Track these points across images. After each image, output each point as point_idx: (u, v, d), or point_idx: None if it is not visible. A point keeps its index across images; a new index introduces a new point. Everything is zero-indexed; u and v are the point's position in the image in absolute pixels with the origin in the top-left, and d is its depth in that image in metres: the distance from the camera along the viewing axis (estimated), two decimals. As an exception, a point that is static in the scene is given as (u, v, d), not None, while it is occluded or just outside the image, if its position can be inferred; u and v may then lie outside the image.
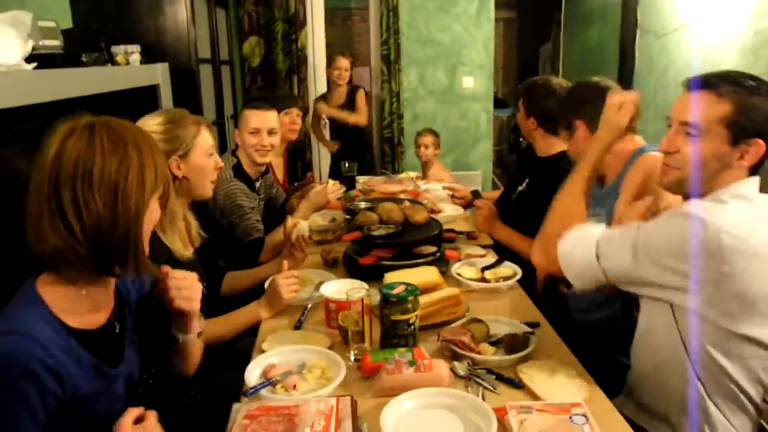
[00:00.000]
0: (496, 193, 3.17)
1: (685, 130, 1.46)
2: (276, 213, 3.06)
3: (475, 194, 2.90)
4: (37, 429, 1.10)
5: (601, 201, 2.05)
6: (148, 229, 1.28)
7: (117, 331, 1.35)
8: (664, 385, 1.52)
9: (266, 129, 2.76)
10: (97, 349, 1.25)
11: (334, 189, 2.76)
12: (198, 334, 1.52)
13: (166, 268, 1.43)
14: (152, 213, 1.28)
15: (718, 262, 1.32)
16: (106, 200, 1.17)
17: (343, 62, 4.81)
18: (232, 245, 2.60)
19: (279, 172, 3.49)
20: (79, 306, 1.24)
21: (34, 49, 1.92)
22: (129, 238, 1.21)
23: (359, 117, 4.81)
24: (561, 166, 2.42)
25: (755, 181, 1.46)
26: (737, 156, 1.42)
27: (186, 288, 1.43)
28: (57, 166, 1.15)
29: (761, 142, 1.41)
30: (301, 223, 2.20)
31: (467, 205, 3.14)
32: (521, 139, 7.93)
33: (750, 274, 1.33)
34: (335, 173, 3.72)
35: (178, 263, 1.83)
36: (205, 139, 1.96)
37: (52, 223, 1.16)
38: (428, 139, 4.18)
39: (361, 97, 4.83)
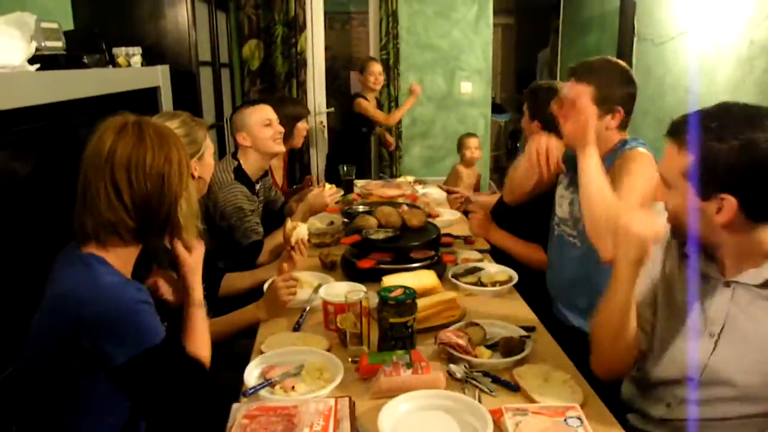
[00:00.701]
0: (493, 198, 3.19)
1: (664, 184, 1.41)
2: (275, 216, 3.08)
3: (466, 200, 2.93)
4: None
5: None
6: (192, 204, 1.53)
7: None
8: None
9: (275, 119, 2.84)
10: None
11: (331, 192, 2.76)
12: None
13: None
14: (190, 195, 1.53)
15: None
16: (155, 186, 1.42)
17: (378, 67, 4.94)
18: (232, 247, 2.61)
19: (278, 175, 3.51)
20: (123, 262, 1.46)
21: (37, 50, 1.94)
22: (170, 215, 1.46)
23: (391, 119, 5.17)
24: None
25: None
26: (714, 210, 1.30)
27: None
28: (112, 154, 1.38)
29: (731, 197, 1.27)
30: (300, 226, 2.21)
31: (464, 211, 3.16)
32: (518, 145, 7.96)
33: None
34: (333, 177, 3.74)
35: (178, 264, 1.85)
36: (209, 140, 2.08)
37: (107, 201, 1.38)
38: (475, 142, 4.73)
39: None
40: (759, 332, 1.34)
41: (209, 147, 2.08)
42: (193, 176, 1.93)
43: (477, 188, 4.76)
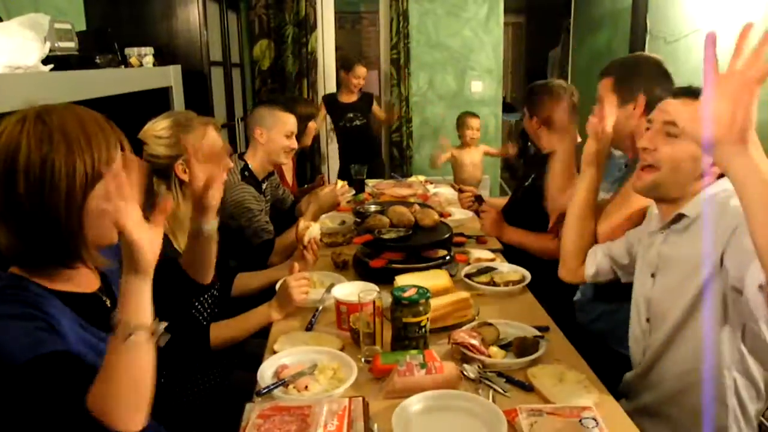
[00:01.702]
0: (503, 200, 3.19)
1: (667, 130, 1.53)
2: (284, 214, 3.08)
3: (479, 199, 2.93)
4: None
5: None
6: (98, 221, 1.16)
7: (108, 305, 1.29)
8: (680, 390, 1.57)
9: (295, 134, 2.86)
10: (83, 310, 1.21)
11: (343, 191, 2.76)
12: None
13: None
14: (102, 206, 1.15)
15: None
16: (32, 197, 1.10)
17: (363, 71, 4.92)
18: (243, 247, 2.62)
19: (288, 174, 3.51)
20: (62, 280, 1.20)
21: (50, 51, 1.94)
22: (63, 235, 1.13)
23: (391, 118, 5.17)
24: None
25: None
26: (711, 162, 1.48)
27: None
28: None
29: None
30: (313, 226, 2.21)
31: (473, 208, 3.16)
32: (529, 144, 7.92)
33: None
34: (344, 177, 3.75)
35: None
36: (213, 139, 1.97)
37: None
38: (475, 122, 4.75)
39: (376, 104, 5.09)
40: (679, 259, 1.58)
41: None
42: (183, 182, 1.89)
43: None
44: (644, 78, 2.01)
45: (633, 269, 1.78)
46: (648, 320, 1.68)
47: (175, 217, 1.87)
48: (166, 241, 1.81)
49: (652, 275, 1.67)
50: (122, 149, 1.21)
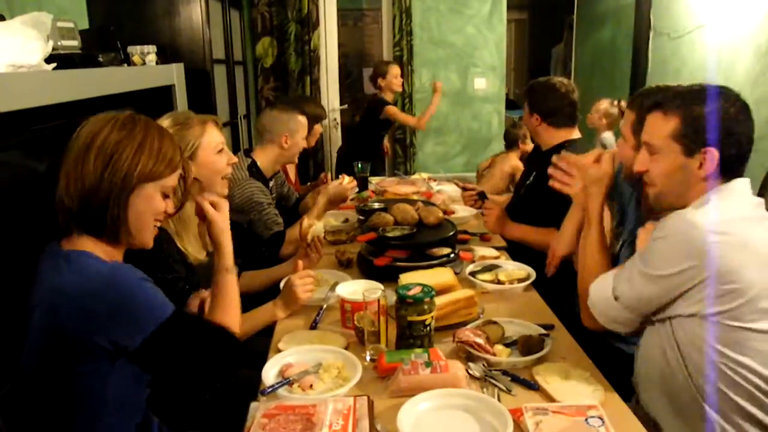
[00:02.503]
0: (506, 198, 3.19)
1: (648, 150, 1.56)
2: (289, 212, 3.09)
3: (482, 195, 2.93)
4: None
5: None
6: (142, 211, 1.38)
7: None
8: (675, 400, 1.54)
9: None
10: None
11: (352, 186, 2.78)
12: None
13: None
14: (148, 200, 1.38)
15: (713, 260, 1.36)
16: (97, 166, 1.31)
17: (398, 69, 4.94)
18: (251, 243, 2.62)
19: (291, 172, 3.52)
20: (105, 253, 1.37)
21: (53, 49, 1.94)
22: (109, 207, 1.33)
23: (420, 121, 5.05)
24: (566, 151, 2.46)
25: (737, 182, 1.50)
26: (697, 165, 1.48)
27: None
28: (75, 138, 1.34)
29: (713, 149, 1.45)
30: (316, 224, 2.21)
31: (476, 205, 3.16)
32: (532, 141, 7.91)
33: (744, 269, 1.37)
34: (347, 174, 3.76)
35: (192, 267, 1.85)
36: (213, 136, 1.99)
37: (60, 183, 1.33)
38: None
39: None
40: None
41: (208, 144, 1.97)
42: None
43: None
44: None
45: None
46: None
47: (180, 217, 1.87)
48: (170, 240, 1.81)
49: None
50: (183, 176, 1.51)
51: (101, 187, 1.31)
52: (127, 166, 1.33)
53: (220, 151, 2.01)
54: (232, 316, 1.56)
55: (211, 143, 1.98)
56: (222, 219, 1.66)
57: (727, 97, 1.50)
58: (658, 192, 1.56)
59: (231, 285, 1.61)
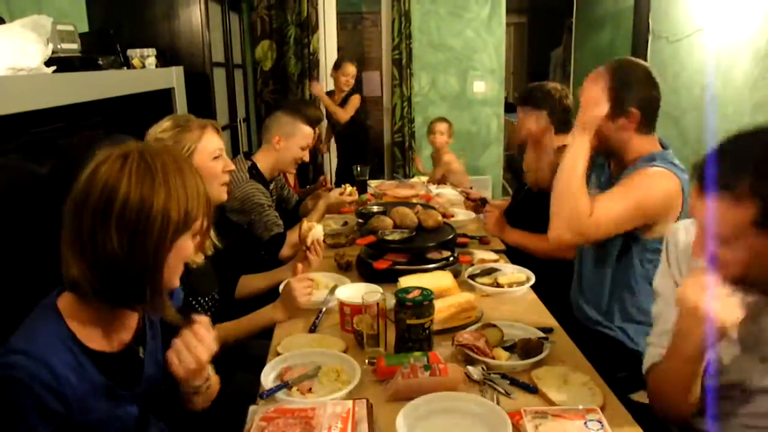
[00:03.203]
0: (505, 202, 3.19)
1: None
2: (288, 214, 3.09)
3: (483, 201, 2.95)
4: None
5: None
6: (174, 267, 1.20)
7: (140, 355, 1.32)
8: None
9: (311, 146, 2.96)
10: (114, 371, 1.22)
11: (351, 199, 2.90)
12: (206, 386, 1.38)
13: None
14: (180, 252, 1.19)
15: None
16: (122, 238, 1.11)
17: (352, 69, 4.92)
18: (250, 245, 2.63)
19: (290, 176, 3.53)
20: (99, 328, 1.22)
21: (53, 52, 1.94)
22: (145, 279, 1.15)
23: (342, 113, 4.90)
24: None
25: None
26: None
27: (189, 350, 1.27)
28: (85, 192, 1.13)
29: None
30: (316, 227, 2.21)
31: (477, 211, 3.16)
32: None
33: None
34: (346, 177, 3.77)
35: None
36: (211, 141, 1.97)
37: (72, 251, 1.14)
38: (442, 126, 4.43)
39: (354, 98, 4.93)
40: None
41: (204, 149, 1.95)
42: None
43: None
44: (641, 90, 1.90)
45: None
46: None
47: None
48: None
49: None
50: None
51: (131, 263, 1.13)
52: (158, 228, 1.13)
53: (217, 157, 1.98)
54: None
55: (208, 148, 1.96)
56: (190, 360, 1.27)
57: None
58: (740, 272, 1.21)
59: (205, 395, 1.39)
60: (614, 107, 1.87)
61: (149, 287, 1.16)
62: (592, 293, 2.09)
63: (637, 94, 1.88)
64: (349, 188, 2.86)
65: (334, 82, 5.02)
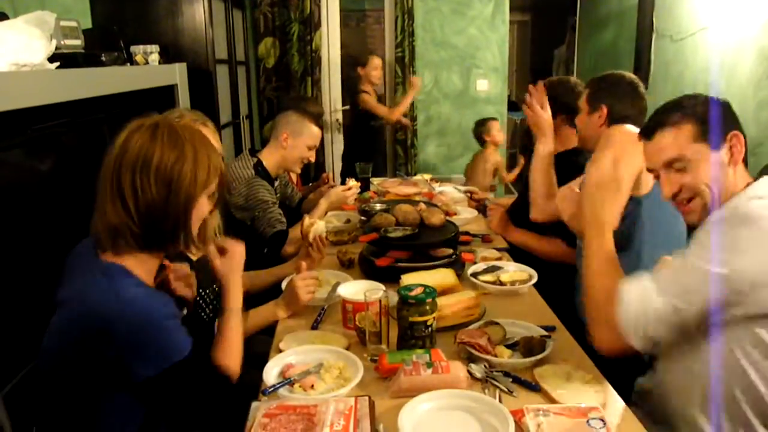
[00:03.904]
0: (509, 200, 3.18)
1: (675, 167, 1.50)
2: (292, 212, 3.10)
3: (483, 206, 2.97)
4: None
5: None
6: (197, 219, 1.41)
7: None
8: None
9: (317, 147, 2.97)
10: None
11: (353, 192, 2.89)
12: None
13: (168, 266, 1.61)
14: (201, 207, 1.40)
15: None
16: (160, 190, 1.31)
17: (379, 61, 5.05)
18: (254, 241, 2.63)
19: (293, 173, 3.52)
20: (145, 271, 1.39)
21: (56, 48, 1.94)
22: (178, 225, 1.35)
23: (388, 113, 5.08)
24: (578, 161, 2.45)
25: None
26: (727, 154, 1.48)
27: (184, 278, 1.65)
28: (122, 154, 1.31)
29: (737, 133, 1.48)
30: (318, 224, 2.21)
31: (480, 208, 3.16)
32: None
33: None
34: (348, 174, 3.78)
35: (192, 264, 1.85)
36: (216, 135, 2.04)
37: (113, 203, 1.31)
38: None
39: (407, 98, 5.18)
40: None
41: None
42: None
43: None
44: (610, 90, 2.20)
45: None
46: None
47: None
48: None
49: None
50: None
51: (168, 211, 1.33)
52: (188, 186, 1.34)
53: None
54: (233, 359, 1.52)
55: (217, 141, 2.03)
56: (228, 267, 1.61)
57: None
58: (703, 202, 1.48)
59: (235, 327, 1.56)
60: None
61: (183, 231, 1.37)
62: None
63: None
64: (352, 181, 2.87)
65: (362, 79, 5.05)
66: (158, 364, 1.28)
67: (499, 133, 4.89)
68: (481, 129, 4.90)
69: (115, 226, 1.31)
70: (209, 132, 2.02)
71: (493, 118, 5.00)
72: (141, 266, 1.36)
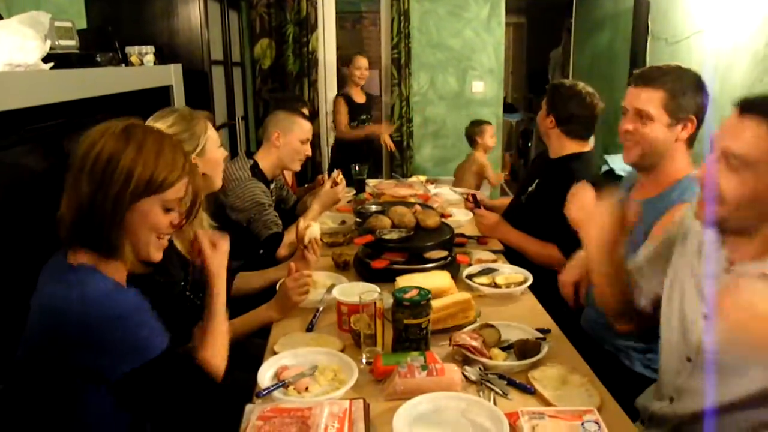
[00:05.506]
0: (505, 201, 3.18)
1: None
2: (287, 214, 3.09)
3: (474, 200, 2.96)
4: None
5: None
6: (143, 226, 1.33)
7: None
8: None
9: (310, 140, 2.93)
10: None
11: (342, 188, 2.87)
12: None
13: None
14: (145, 217, 1.32)
15: None
16: (91, 184, 1.26)
17: (364, 62, 4.97)
18: (249, 243, 2.62)
19: (288, 175, 3.52)
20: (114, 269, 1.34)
21: (51, 49, 1.94)
22: (104, 229, 1.27)
23: (377, 129, 5.10)
24: (572, 167, 2.45)
25: None
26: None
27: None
28: (78, 147, 1.30)
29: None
30: (313, 226, 2.21)
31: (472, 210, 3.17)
32: (530, 144, 7.93)
33: None
34: (345, 174, 3.78)
35: (190, 268, 1.84)
36: (213, 130, 2.01)
37: (65, 197, 1.29)
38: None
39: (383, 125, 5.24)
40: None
41: (211, 139, 1.98)
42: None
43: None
44: (695, 96, 1.89)
45: None
46: (689, 360, 1.44)
47: None
48: (169, 245, 1.80)
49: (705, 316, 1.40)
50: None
51: (95, 207, 1.26)
52: (120, 184, 1.26)
53: (219, 145, 2.04)
54: (217, 355, 1.48)
55: (213, 136, 2.00)
56: (217, 262, 1.57)
57: None
58: (734, 215, 1.29)
59: (220, 322, 1.53)
60: None
61: (109, 239, 1.28)
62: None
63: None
64: (337, 174, 2.86)
65: (349, 79, 5.04)
66: (131, 361, 1.25)
67: (491, 138, 4.85)
68: (474, 130, 4.88)
69: (59, 219, 1.30)
70: (211, 123, 2.01)
71: (490, 123, 4.97)
72: (104, 264, 1.31)
